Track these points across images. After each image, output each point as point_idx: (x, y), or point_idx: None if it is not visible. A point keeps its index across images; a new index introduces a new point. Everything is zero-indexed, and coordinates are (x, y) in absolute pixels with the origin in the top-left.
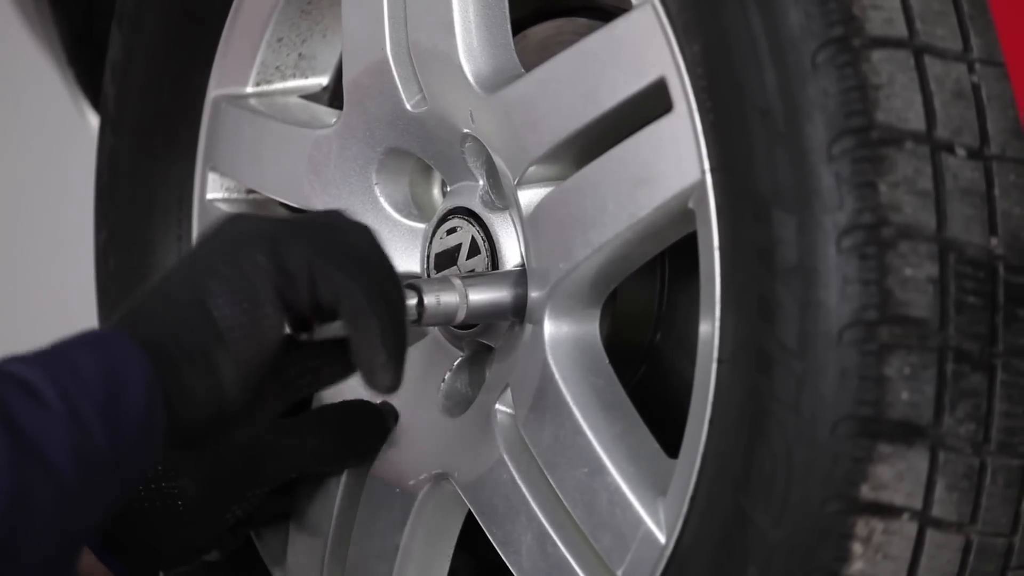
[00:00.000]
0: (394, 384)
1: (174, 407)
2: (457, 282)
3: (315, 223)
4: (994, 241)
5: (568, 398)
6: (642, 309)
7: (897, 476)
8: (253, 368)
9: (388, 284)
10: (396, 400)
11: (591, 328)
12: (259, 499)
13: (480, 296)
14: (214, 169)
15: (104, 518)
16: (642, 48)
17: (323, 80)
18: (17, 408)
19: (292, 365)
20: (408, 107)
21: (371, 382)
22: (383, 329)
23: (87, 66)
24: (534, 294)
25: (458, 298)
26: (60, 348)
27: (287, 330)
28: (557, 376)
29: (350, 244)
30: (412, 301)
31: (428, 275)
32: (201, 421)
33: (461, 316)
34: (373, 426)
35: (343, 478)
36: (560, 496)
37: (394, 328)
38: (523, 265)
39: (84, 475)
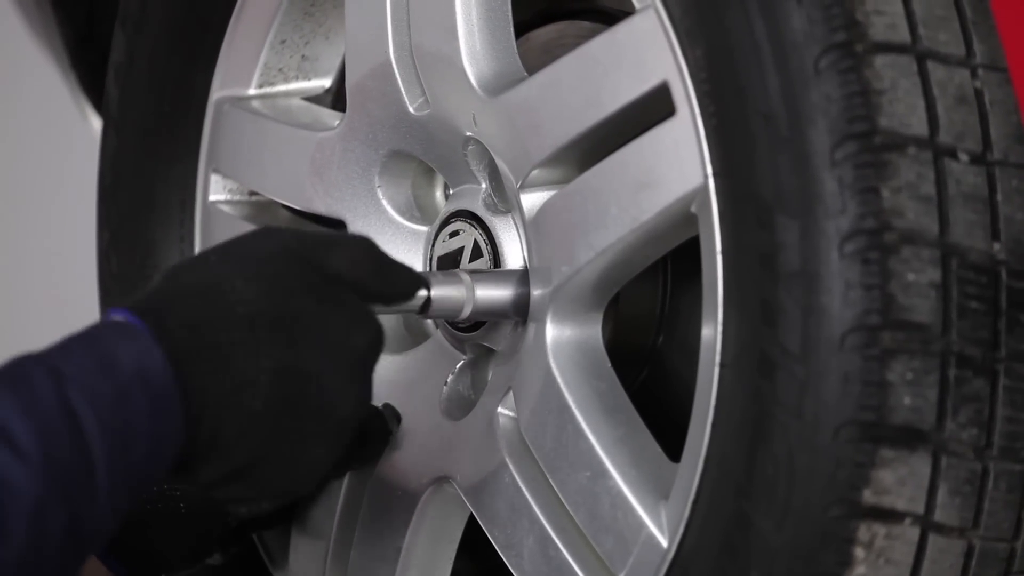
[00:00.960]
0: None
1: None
2: (465, 277)
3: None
4: (996, 246)
5: (570, 401)
6: (644, 312)
7: (899, 481)
8: None
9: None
10: (398, 403)
11: (593, 332)
12: (259, 504)
13: (487, 292)
14: (217, 171)
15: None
16: (645, 52)
17: (326, 82)
18: (74, 492)
19: None
20: (411, 110)
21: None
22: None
23: (89, 68)
24: (537, 297)
25: (465, 292)
26: (124, 392)
27: None
28: (559, 379)
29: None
30: (420, 292)
31: None
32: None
33: (468, 311)
34: (376, 429)
35: (345, 481)
36: (562, 499)
37: None
38: (526, 267)
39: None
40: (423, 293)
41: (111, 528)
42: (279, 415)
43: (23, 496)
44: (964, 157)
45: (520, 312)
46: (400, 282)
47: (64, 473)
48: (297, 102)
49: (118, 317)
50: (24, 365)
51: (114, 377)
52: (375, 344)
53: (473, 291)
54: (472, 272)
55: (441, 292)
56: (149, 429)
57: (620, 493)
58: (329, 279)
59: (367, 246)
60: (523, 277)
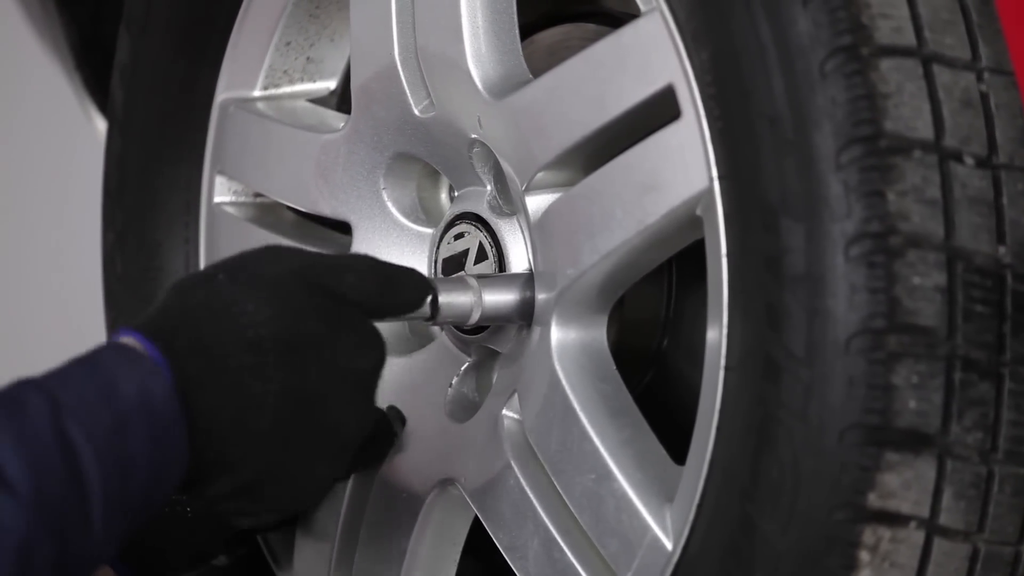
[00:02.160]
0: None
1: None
2: (473, 282)
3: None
4: (1002, 250)
5: (575, 404)
6: (649, 315)
7: (904, 484)
8: None
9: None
10: (403, 405)
11: (598, 334)
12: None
13: (494, 297)
14: (222, 172)
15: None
16: (650, 55)
17: (331, 84)
18: (68, 523)
19: None
20: (416, 112)
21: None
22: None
23: (94, 70)
24: (542, 300)
25: (473, 298)
26: (123, 422)
27: None
28: (564, 382)
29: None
30: (427, 300)
31: None
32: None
33: (476, 316)
34: (380, 432)
35: (350, 482)
36: (567, 502)
37: None
38: (531, 270)
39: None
40: (431, 300)
41: (106, 555)
42: (285, 436)
43: (10, 532)
44: (970, 161)
45: (526, 316)
46: (406, 293)
47: (55, 506)
48: (302, 104)
49: (126, 339)
50: (22, 391)
51: (114, 406)
52: (379, 365)
53: (481, 296)
54: (479, 277)
55: (449, 298)
56: (150, 457)
57: (625, 496)
58: (337, 301)
59: (371, 264)
60: (529, 281)
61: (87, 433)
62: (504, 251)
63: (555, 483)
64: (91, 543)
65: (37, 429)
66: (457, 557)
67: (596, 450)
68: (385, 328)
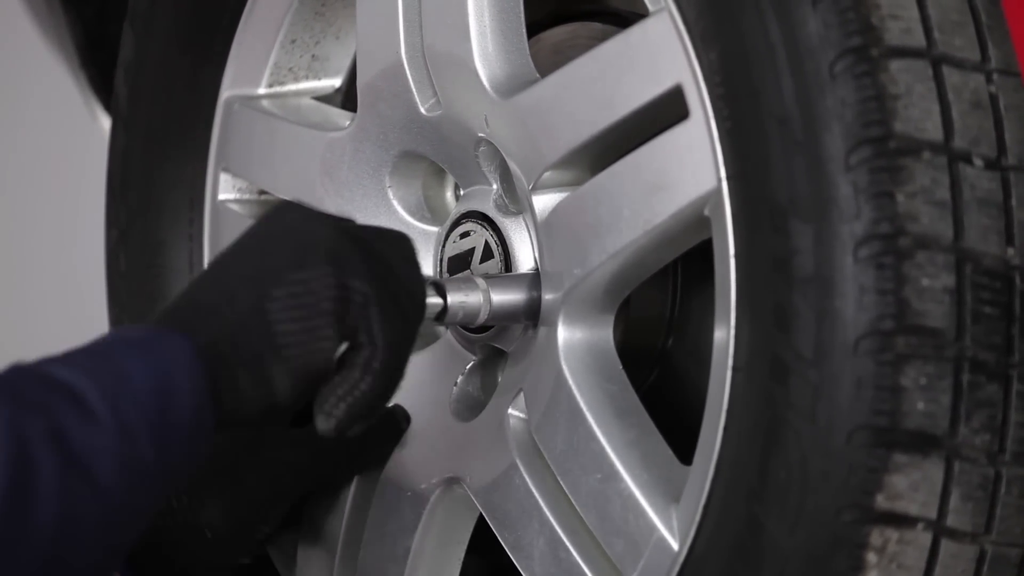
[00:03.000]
0: (328, 432)
1: (225, 412)
2: (481, 282)
3: (377, 248)
4: (1011, 251)
5: (581, 404)
6: (654, 314)
7: (912, 486)
8: (307, 380)
9: (400, 360)
10: (408, 403)
11: (605, 334)
12: (283, 515)
13: (502, 297)
14: (226, 170)
15: (149, 523)
16: (659, 55)
17: (336, 82)
18: (67, 423)
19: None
20: (422, 111)
21: (316, 417)
22: (365, 395)
23: (100, 69)
24: (548, 299)
25: (481, 299)
26: (108, 351)
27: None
28: (571, 381)
29: (401, 295)
30: (436, 300)
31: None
32: (251, 423)
33: (484, 316)
34: (386, 431)
35: (354, 481)
36: (573, 501)
37: (373, 400)
38: (537, 270)
39: (132, 490)
40: (439, 301)
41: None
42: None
43: (109, 447)
44: (979, 162)
45: (532, 316)
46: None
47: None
48: (307, 101)
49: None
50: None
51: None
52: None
53: (490, 296)
54: (486, 277)
55: (457, 298)
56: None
57: (631, 496)
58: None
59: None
60: (535, 280)
61: (65, 362)
62: (510, 250)
63: (561, 483)
64: (101, 429)
65: (108, 374)
66: (462, 556)
67: (602, 450)
68: None
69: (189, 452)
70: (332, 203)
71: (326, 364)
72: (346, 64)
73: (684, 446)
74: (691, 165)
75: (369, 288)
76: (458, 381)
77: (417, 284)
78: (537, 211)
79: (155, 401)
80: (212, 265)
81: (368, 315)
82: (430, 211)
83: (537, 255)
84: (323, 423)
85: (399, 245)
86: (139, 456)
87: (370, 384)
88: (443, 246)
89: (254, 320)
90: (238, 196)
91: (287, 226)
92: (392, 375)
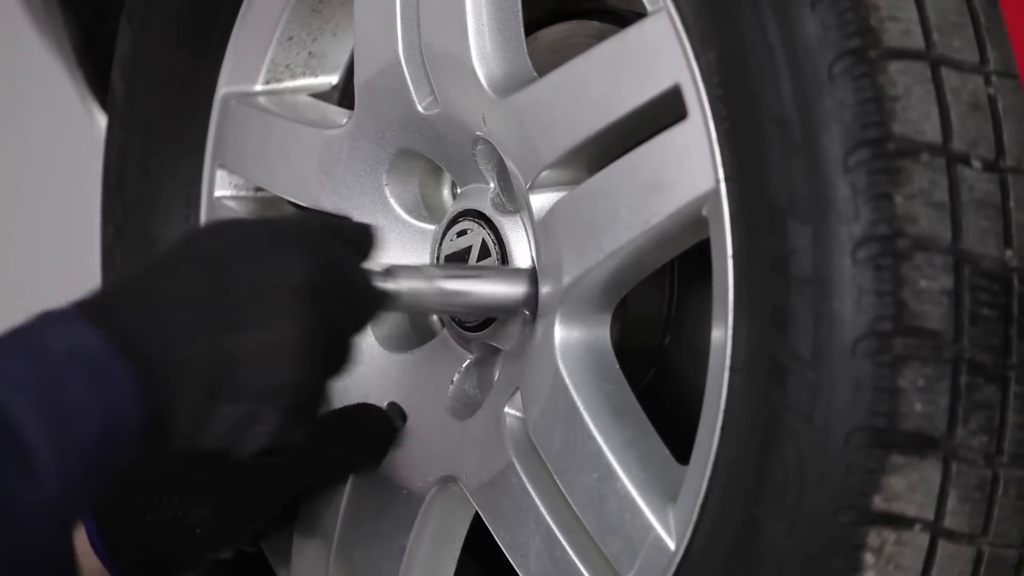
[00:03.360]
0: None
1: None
2: (432, 271)
3: (340, 284)
4: (1009, 253)
5: (578, 403)
6: (651, 313)
7: (910, 487)
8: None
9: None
10: (404, 402)
11: (602, 333)
12: (274, 514)
13: (454, 287)
14: (223, 166)
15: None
16: (657, 55)
17: (333, 79)
18: (10, 484)
19: None
20: (420, 109)
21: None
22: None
23: (97, 67)
24: (545, 297)
25: (429, 287)
26: (57, 375)
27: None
28: (567, 380)
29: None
30: (387, 285)
31: None
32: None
33: (433, 306)
34: (380, 430)
35: (350, 479)
36: (569, 501)
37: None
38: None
39: (59, 533)
40: (389, 285)
41: (71, 508)
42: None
43: (46, 510)
44: (977, 164)
45: (497, 311)
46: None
47: None
48: (304, 99)
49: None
50: None
51: (44, 358)
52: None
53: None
54: (441, 267)
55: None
56: (95, 402)
57: (628, 495)
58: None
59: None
60: (495, 276)
61: (16, 385)
62: (507, 248)
63: (558, 482)
64: (41, 493)
65: (55, 411)
66: (457, 555)
67: (599, 449)
68: (387, 325)
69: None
70: (329, 200)
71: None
72: (343, 61)
73: (681, 446)
74: (689, 165)
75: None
76: (454, 379)
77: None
78: (534, 210)
79: (99, 450)
80: (173, 275)
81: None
82: (427, 209)
83: (534, 254)
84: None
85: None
86: (73, 510)
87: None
88: (440, 244)
89: (215, 369)
90: (234, 193)
91: (255, 253)
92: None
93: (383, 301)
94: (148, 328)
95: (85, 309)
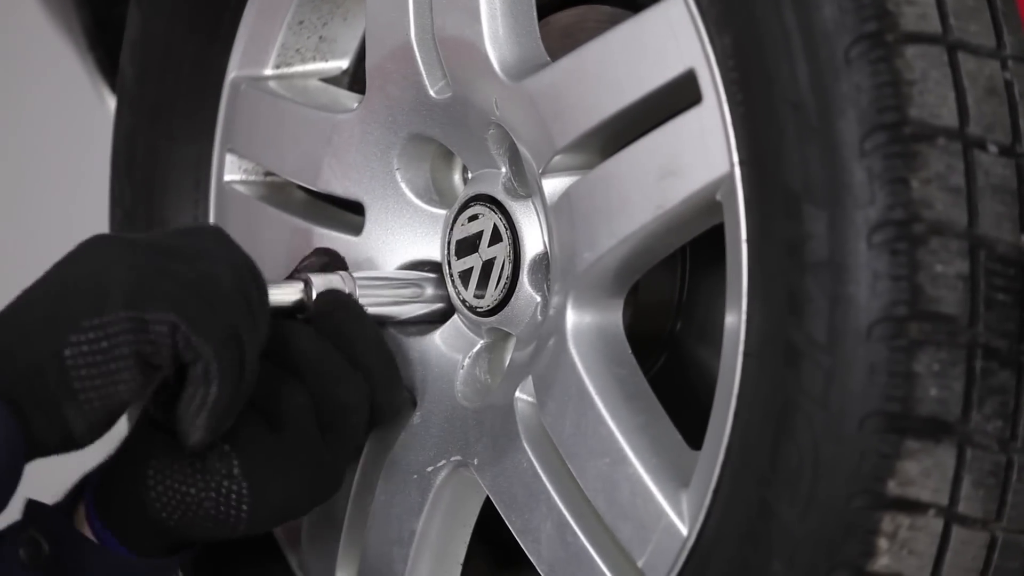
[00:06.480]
0: (200, 444)
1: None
2: (348, 279)
3: (184, 262)
4: None
5: (590, 388)
6: (662, 298)
7: (924, 472)
8: (107, 419)
9: (237, 355)
10: (414, 386)
11: (614, 318)
12: None
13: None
14: (232, 151)
15: None
16: (672, 39)
17: (343, 63)
18: None
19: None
20: (432, 93)
21: (183, 433)
22: (217, 400)
23: (108, 51)
24: (557, 282)
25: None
26: None
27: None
28: (579, 365)
29: (216, 298)
30: (300, 291)
31: (448, 262)
32: (49, 454)
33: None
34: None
35: (360, 462)
36: (581, 486)
37: (227, 402)
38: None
39: None
40: (301, 289)
41: None
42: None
43: None
44: (993, 148)
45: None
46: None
47: None
48: (314, 83)
49: None
50: None
51: None
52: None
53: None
54: (360, 277)
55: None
56: None
57: (640, 480)
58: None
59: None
60: (412, 283)
61: None
62: (519, 234)
63: (569, 466)
64: None
65: None
66: (467, 539)
67: (611, 434)
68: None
69: None
70: (339, 185)
71: (130, 399)
72: (354, 46)
73: (693, 431)
74: (703, 150)
75: (174, 315)
76: (465, 364)
77: (240, 277)
78: (547, 195)
79: None
80: (14, 305)
81: (178, 338)
82: (438, 194)
83: (546, 239)
84: (193, 436)
85: (211, 239)
86: None
87: (216, 391)
88: (451, 229)
89: (51, 366)
90: (244, 177)
91: (89, 268)
92: (235, 374)
93: None
94: None
95: None
